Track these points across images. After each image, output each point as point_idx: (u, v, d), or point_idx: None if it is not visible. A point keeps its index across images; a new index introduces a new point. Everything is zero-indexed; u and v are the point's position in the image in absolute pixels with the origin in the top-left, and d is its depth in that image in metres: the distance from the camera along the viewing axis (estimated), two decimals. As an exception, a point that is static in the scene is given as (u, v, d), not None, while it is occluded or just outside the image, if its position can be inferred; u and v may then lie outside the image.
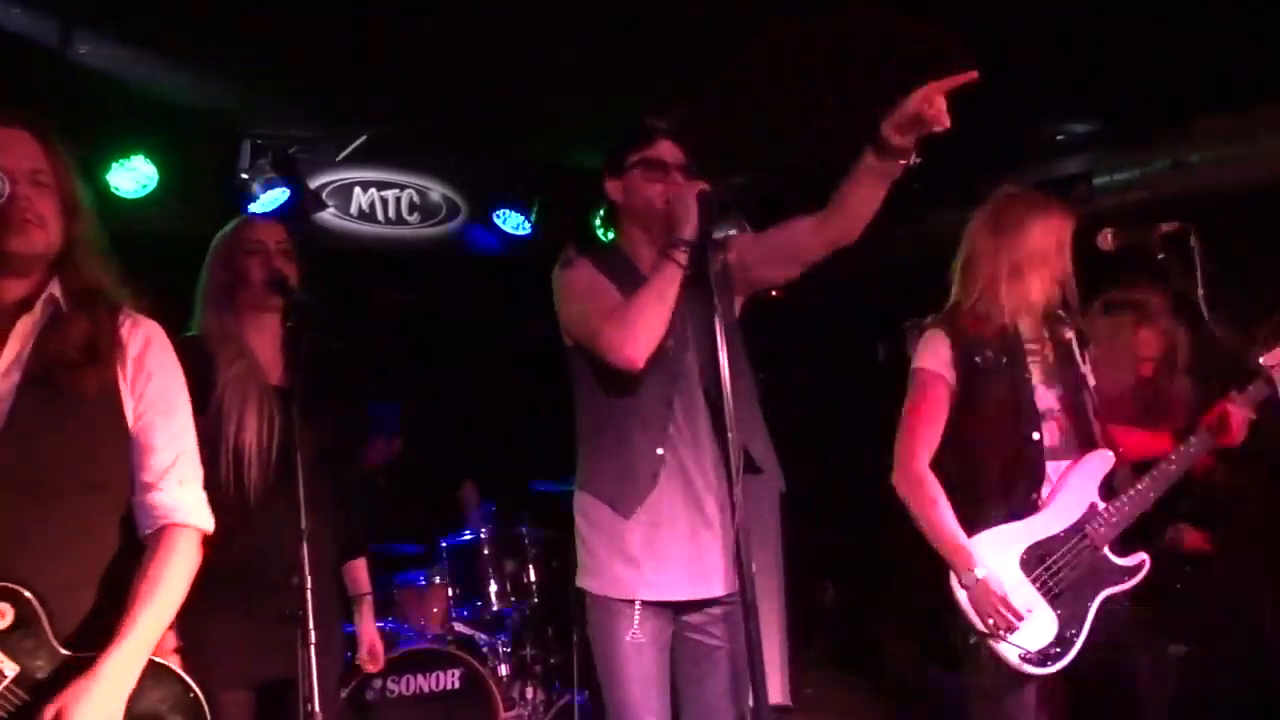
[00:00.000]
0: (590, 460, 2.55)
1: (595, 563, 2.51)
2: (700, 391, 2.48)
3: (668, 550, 2.46)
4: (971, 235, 2.77)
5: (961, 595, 2.61)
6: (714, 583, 2.48)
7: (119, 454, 1.90)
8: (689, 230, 2.36)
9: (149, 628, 1.81)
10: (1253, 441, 2.81)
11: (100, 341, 1.86)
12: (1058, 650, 2.61)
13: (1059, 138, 4.69)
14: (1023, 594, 2.61)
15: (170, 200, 4.45)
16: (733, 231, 3.01)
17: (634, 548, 2.46)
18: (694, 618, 2.51)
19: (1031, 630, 2.60)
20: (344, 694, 3.76)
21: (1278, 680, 3.55)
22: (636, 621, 2.45)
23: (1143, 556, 2.71)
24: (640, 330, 2.35)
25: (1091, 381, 2.81)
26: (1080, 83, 4.13)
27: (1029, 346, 2.74)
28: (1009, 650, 2.58)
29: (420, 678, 4.08)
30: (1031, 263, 2.68)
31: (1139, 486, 2.70)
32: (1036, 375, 2.72)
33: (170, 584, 1.86)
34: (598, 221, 4.98)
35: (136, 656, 1.79)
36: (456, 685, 4.13)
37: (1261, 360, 2.70)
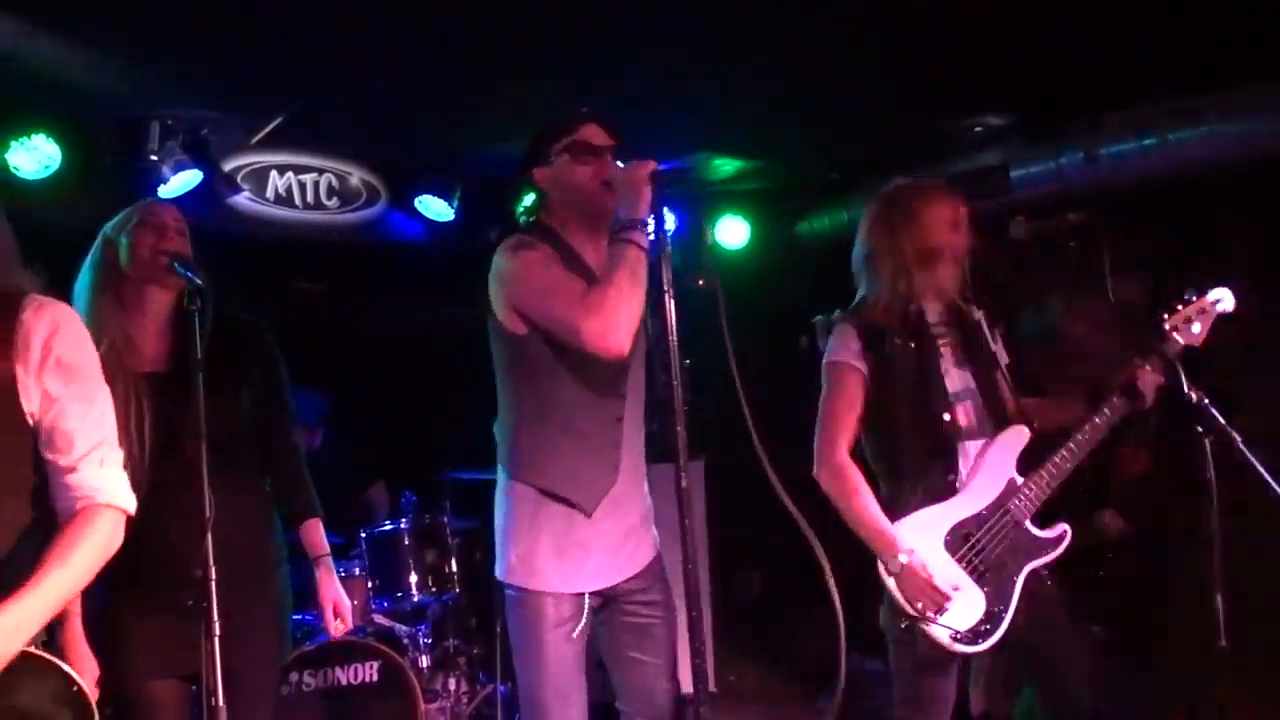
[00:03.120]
0: (531, 452, 2.46)
1: (531, 558, 2.43)
2: (636, 380, 2.50)
3: (613, 539, 2.46)
4: (867, 232, 2.84)
5: (890, 582, 2.64)
6: (641, 558, 2.51)
7: (13, 444, 1.83)
8: (643, 210, 2.30)
9: (56, 588, 1.77)
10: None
11: None
12: (987, 627, 2.67)
13: (976, 130, 4.76)
14: (949, 574, 2.66)
15: (74, 182, 4.30)
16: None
17: (586, 541, 2.43)
18: (631, 597, 2.50)
19: (961, 610, 2.65)
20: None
21: (1180, 667, 3.68)
22: (567, 614, 2.43)
23: (1064, 528, 2.77)
24: (624, 319, 2.29)
25: (1004, 359, 2.86)
26: (996, 76, 4.20)
27: (935, 330, 2.80)
28: (940, 632, 2.63)
29: (337, 670, 4.01)
30: (934, 249, 2.75)
31: (1056, 459, 2.75)
32: (947, 358, 2.79)
33: (83, 553, 1.81)
34: (520, 210, 4.94)
35: (38, 612, 1.75)
36: (375, 678, 4.07)
37: (1166, 323, 2.76)
